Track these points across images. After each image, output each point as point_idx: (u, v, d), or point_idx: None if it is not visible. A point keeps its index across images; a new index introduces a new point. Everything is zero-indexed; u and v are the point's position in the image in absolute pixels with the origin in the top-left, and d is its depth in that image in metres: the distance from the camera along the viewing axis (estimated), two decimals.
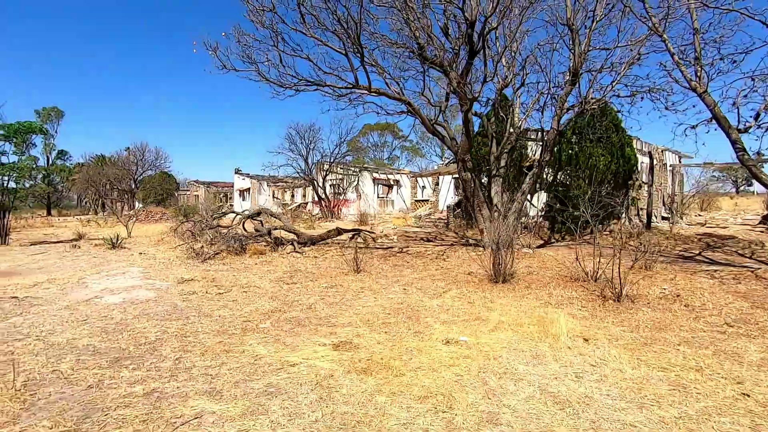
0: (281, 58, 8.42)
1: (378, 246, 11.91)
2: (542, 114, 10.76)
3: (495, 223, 9.63)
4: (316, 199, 29.48)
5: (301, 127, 26.91)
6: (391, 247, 11.43)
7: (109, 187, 47.42)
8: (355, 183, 26.28)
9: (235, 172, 40.40)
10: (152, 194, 46.49)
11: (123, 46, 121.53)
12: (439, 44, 8.74)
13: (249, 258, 10.12)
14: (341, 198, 26.65)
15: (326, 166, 26.99)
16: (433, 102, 9.97)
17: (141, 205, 46.87)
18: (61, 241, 14.62)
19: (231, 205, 42.67)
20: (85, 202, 62.87)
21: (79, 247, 11.83)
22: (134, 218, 31.40)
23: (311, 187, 29.92)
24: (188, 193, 56.49)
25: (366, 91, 8.68)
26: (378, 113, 10.23)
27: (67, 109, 60.29)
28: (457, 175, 21.94)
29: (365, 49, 8.29)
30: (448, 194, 22.51)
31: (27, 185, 12.97)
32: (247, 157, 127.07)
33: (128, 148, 54.84)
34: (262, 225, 14.33)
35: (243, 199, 39.64)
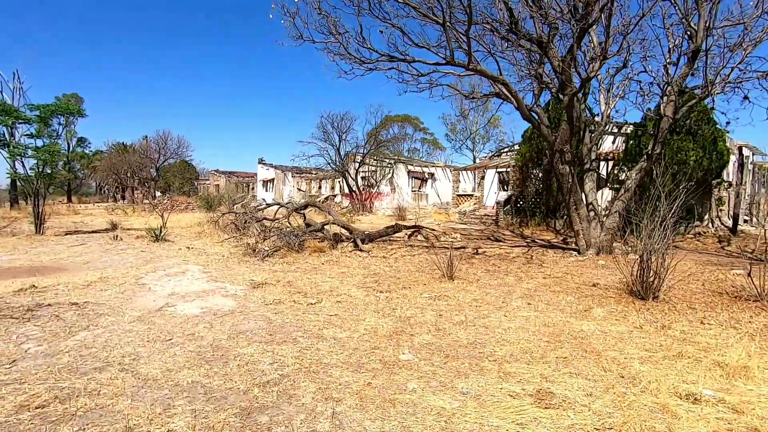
0: (362, 28, 7.29)
1: (444, 245, 10.79)
2: (644, 99, 9.43)
3: (593, 224, 8.44)
4: (346, 191, 28.44)
5: (334, 116, 25.80)
6: (463, 248, 10.30)
7: (130, 175, 47.08)
8: (390, 175, 25.13)
9: (259, 162, 39.56)
10: (176, 182, 45.99)
11: (147, 38, 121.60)
12: (539, 14, 7.49)
13: (310, 256, 9.09)
14: (373, 191, 25.56)
15: (359, 158, 25.87)
16: (541, 81, 8.67)
17: (160, 194, 46.48)
18: (96, 231, 13.79)
19: (254, 195, 41.95)
20: (105, 190, 63.02)
21: (121, 239, 10.94)
22: (159, 207, 30.88)
23: (341, 179, 28.88)
24: (208, 182, 56.03)
25: (464, 69, 7.50)
26: (466, 96, 9.01)
27: (85, 96, 60.07)
28: (502, 169, 20.67)
29: (459, 23, 7.10)
30: (490, 189, 21.26)
31: (50, 171, 12.08)
32: (270, 147, 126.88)
33: (146, 136, 54.46)
34: (305, 218, 13.32)
35: (266, 190, 38.83)
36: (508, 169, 20.63)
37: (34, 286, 6.04)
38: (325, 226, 11.39)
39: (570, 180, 8.24)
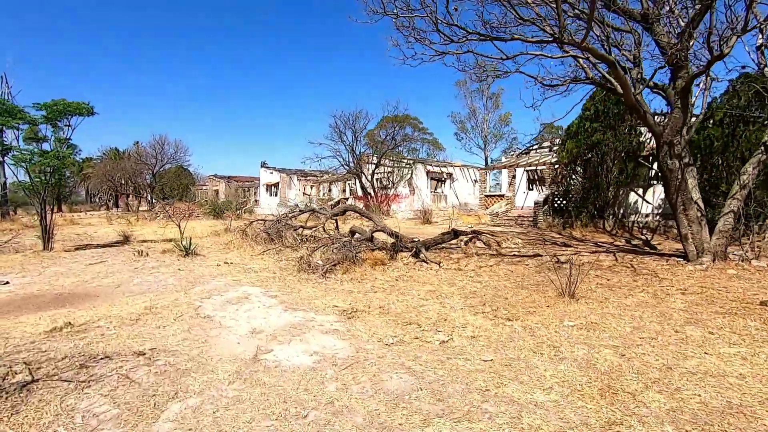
0: (448, 2, 6.12)
1: (512, 253, 9.64)
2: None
3: (703, 227, 7.37)
4: (359, 194, 27.22)
5: (347, 115, 24.56)
6: (537, 256, 9.16)
7: (124, 181, 45.27)
8: (409, 176, 23.95)
9: (262, 166, 38.14)
10: (174, 189, 44.28)
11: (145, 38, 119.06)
12: None
13: (373, 270, 7.87)
14: (390, 193, 24.36)
15: (373, 159, 24.66)
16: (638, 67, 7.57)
17: (153, 200, 44.72)
18: (110, 245, 12.40)
19: (256, 200, 40.51)
20: (98, 198, 60.92)
21: (146, 254, 9.59)
22: (160, 215, 29.29)
23: (354, 181, 27.66)
24: (205, 187, 54.37)
25: (573, 47, 6.35)
26: (547, 85, 7.84)
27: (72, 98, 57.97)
28: (533, 168, 19.64)
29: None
30: (520, 189, 20.21)
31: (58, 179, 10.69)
32: (270, 151, 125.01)
33: (137, 142, 52.63)
34: (336, 224, 12.10)
35: (270, 195, 37.41)
36: (539, 168, 19.61)
37: (70, 323, 4.75)
38: (372, 234, 10.18)
39: (679, 176, 7.15)
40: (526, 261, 8.65)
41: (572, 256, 8.89)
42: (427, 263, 8.43)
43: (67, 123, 10.72)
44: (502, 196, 19.49)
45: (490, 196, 19.84)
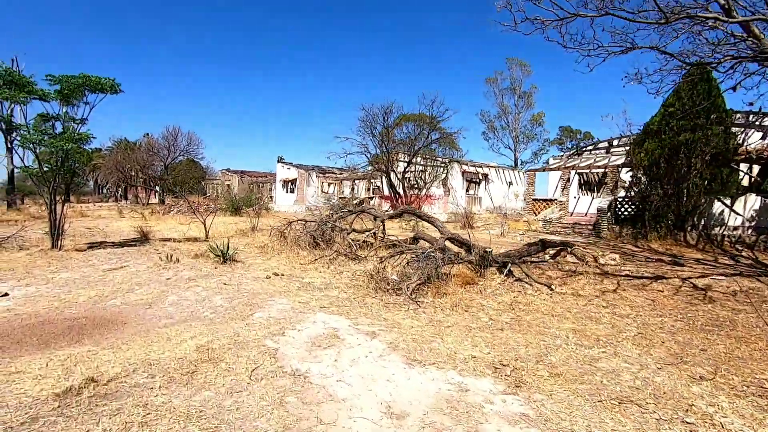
0: None
1: (621, 273, 7.90)
2: None
3: None
4: (385, 193, 25.52)
5: (378, 109, 22.84)
6: (660, 278, 7.41)
7: (135, 173, 43.87)
8: (444, 176, 22.19)
9: (278, 161, 36.51)
10: (185, 182, 42.81)
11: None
12: None
13: (468, 291, 6.17)
14: (422, 194, 22.62)
15: (402, 156, 22.92)
16: None
17: (164, 193, 43.25)
18: (127, 243, 10.78)
19: (271, 197, 38.92)
20: (106, 189, 59.71)
21: (176, 259, 7.92)
22: (174, 209, 27.77)
23: (380, 179, 25.94)
24: (216, 182, 52.91)
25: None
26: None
27: None
28: (586, 171, 17.82)
29: None
30: (555, 192, 18.40)
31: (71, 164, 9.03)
32: (286, 147, 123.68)
33: (148, 133, 51.28)
34: (380, 229, 10.40)
35: (287, 192, 35.79)
36: (595, 171, 17.81)
37: (92, 380, 3.10)
38: (439, 243, 8.48)
39: None
40: (650, 284, 6.91)
41: (708, 281, 7.13)
42: (527, 283, 6.71)
43: (85, 101, 9.09)
44: (553, 200, 17.72)
45: (540, 200, 18.11)
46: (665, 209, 12.82)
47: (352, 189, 30.60)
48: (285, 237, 10.54)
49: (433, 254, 6.86)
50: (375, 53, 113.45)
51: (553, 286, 6.49)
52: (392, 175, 22.59)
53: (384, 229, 10.93)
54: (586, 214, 17.51)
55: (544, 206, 18.00)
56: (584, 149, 18.37)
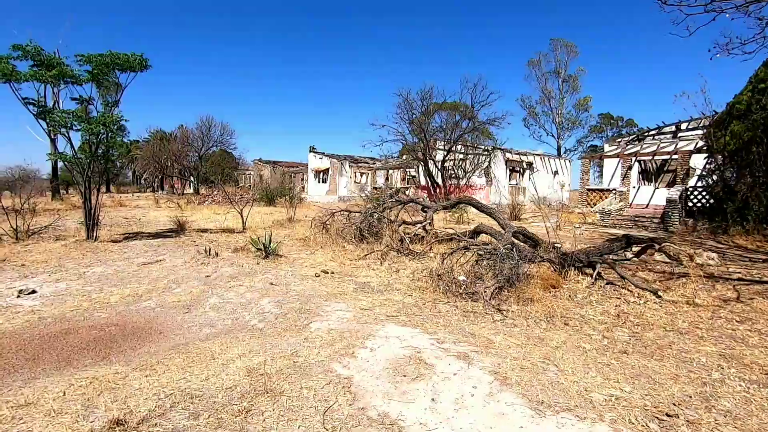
0: None
1: (731, 276, 6.63)
2: None
3: None
4: (422, 183, 24.46)
5: (417, 93, 21.67)
6: None
7: (170, 164, 44.52)
8: (486, 165, 20.89)
9: (310, 151, 35.99)
10: (218, 173, 43.12)
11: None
12: None
13: (553, 296, 5.13)
14: (462, 183, 21.42)
15: (441, 144, 21.73)
16: None
17: (198, 183, 43.67)
18: (163, 234, 10.29)
19: (303, 187, 38.54)
20: (143, 179, 61.33)
21: (215, 253, 7.21)
22: (209, 199, 27.71)
23: (417, 169, 24.87)
24: (248, 172, 53.13)
25: None
26: None
27: None
28: (649, 159, 16.15)
29: None
30: (611, 181, 16.76)
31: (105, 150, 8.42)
32: (317, 137, 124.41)
33: (182, 125, 51.89)
34: (427, 222, 9.37)
35: (319, 182, 35.26)
36: (657, 158, 16.12)
37: (118, 422, 2.31)
38: (535, 244, 7.41)
39: None
40: None
41: None
42: (622, 287, 5.59)
43: (116, 80, 8.49)
44: (609, 190, 16.15)
45: (595, 190, 16.58)
46: (754, 200, 11.20)
47: (387, 179, 29.68)
48: (327, 229, 9.74)
49: (510, 251, 5.82)
50: (410, 42, 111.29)
51: (659, 292, 5.34)
52: (430, 163, 21.47)
53: (432, 221, 9.96)
54: (647, 206, 15.90)
55: (599, 197, 16.48)
56: (646, 134, 16.64)
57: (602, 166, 17.89)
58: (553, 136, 36.21)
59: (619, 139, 17.89)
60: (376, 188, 29.65)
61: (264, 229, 12.31)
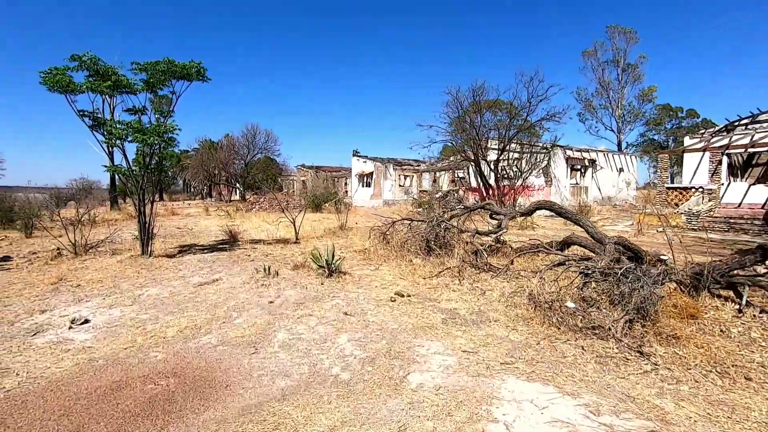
0: None
1: None
2: None
3: None
4: (473, 184, 23.22)
5: (467, 90, 20.51)
6: None
7: (217, 171, 45.73)
8: (545, 163, 19.39)
9: (353, 155, 35.61)
10: (263, 180, 43.78)
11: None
12: None
13: (704, 333, 3.98)
14: (517, 184, 20.01)
15: (493, 143, 20.42)
16: None
17: (244, 190, 44.47)
18: (218, 247, 9.88)
19: (346, 192, 38.23)
20: (193, 187, 63.75)
21: (274, 272, 6.56)
22: (257, 206, 27.85)
23: (467, 170, 23.68)
24: (292, 178, 53.73)
25: None
26: None
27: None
28: (736, 150, 14.12)
29: None
30: (693, 178, 14.77)
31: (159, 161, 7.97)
32: (360, 141, 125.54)
33: (228, 134, 53.21)
34: (501, 228, 8.25)
35: (363, 185, 34.76)
36: (754, 151, 14.07)
37: None
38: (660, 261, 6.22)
39: None
40: None
41: None
42: None
43: (171, 90, 8.10)
44: (693, 188, 14.25)
45: (676, 188, 14.73)
46: None
47: (434, 181, 28.61)
48: (387, 240, 8.92)
49: (632, 270, 4.70)
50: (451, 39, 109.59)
51: None
52: (483, 164, 20.23)
53: (501, 225, 8.88)
54: (739, 205, 13.90)
55: (681, 196, 14.62)
56: (737, 124, 14.61)
57: (680, 161, 15.96)
58: (612, 130, 33.50)
59: (702, 131, 15.90)
60: (422, 191, 28.68)
61: (317, 238, 11.71)
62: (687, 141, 15.90)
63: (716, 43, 70.65)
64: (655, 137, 42.26)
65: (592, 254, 6.66)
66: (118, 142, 7.47)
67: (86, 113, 7.88)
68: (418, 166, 33.75)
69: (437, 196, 24.92)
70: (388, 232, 8.99)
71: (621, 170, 22.31)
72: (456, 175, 26.66)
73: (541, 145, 19.53)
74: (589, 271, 5.24)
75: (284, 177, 56.00)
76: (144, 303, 5.27)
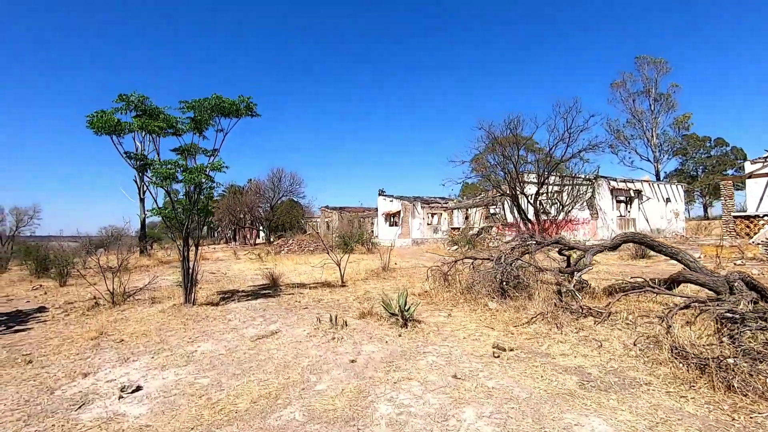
0: None
1: None
2: None
3: None
4: (510, 220, 22.29)
5: (497, 125, 20.13)
6: None
7: (243, 215, 45.99)
8: (588, 195, 18.45)
9: (379, 194, 35.31)
10: (287, 222, 43.74)
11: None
12: None
13: None
14: (558, 218, 19.02)
15: (530, 177, 19.71)
16: None
17: (269, 233, 44.34)
18: (261, 292, 9.17)
19: (371, 232, 37.62)
20: (217, 232, 64.33)
21: (342, 322, 5.74)
22: (285, 248, 27.39)
23: (502, 206, 22.86)
24: (315, 219, 53.68)
25: None
26: None
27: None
28: None
29: None
30: (760, 205, 13.51)
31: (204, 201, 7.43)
32: (384, 180, 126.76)
33: (251, 179, 54.06)
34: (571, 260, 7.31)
35: (389, 225, 34.14)
36: None
37: None
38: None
39: None
40: None
41: None
42: None
43: (218, 128, 7.75)
44: (761, 216, 12.99)
45: (744, 217, 13.53)
46: None
47: (466, 218, 27.78)
48: (449, 281, 8.07)
49: None
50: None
51: None
52: (521, 198, 19.41)
53: (570, 263, 7.93)
54: None
55: (749, 225, 13.35)
56: None
57: (740, 188, 14.82)
58: (649, 160, 32.24)
59: (765, 155, 14.82)
60: (454, 229, 27.81)
61: (362, 280, 10.92)
62: (748, 167, 14.84)
63: (736, 69, 70.02)
64: (679, 167, 40.46)
65: (710, 293, 5.66)
66: (167, 181, 7.02)
67: (132, 155, 7.54)
68: (446, 203, 33.11)
69: (471, 233, 24.01)
70: (449, 273, 8.14)
71: (668, 200, 21.10)
72: (489, 211, 25.81)
73: (583, 176, 18.67)
74: (734, 315, 4.27)
75: (307, 219, 56.06)
76: (200, 363, 4.50)
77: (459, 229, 26.72)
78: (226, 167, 7.21)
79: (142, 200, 31.76)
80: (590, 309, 5.66)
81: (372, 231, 37.54)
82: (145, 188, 31.25)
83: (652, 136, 31.63)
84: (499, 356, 4.26)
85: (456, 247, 21.36)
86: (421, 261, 16.56)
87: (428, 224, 32.20)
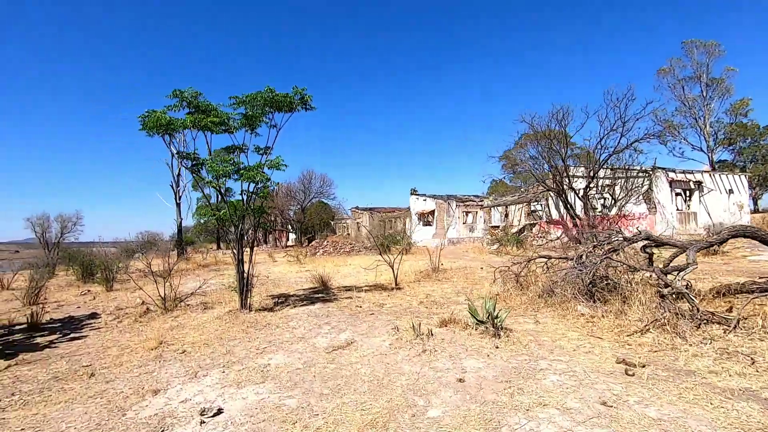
0: None
1: None
2: None
3: None
4: (554, 217, 21.20)
5: (546, 116, 19.10)
6: None
7: (273, 218, 46.25)
8: (645, 188, 17.22)
9: (411, 194, 34.63)
10: (316, 223, 43.70)
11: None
12: None
13: None
14: (610, 213, 17.84)
15: (580, 170, 18.58)
16: None
17: (299, 234, 44.34)
18: (314, 296, 8.70)
19: (402, 230, 36.97)
20: (247, 235, 64.91)
21: (428, 332, 5.15)
22: (320, 250, 27.14)
23: (546, 201, 21.78)
24: (345, 221, 53.48)
25: None
26: None
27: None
28: None
29: None
30: None
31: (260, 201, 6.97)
32: (415, 179, 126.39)
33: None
34: (652, 263, 6.42)
35: (423, 224, 33.41)
36: None
37: None
38: None
39: None
40: None
41: None
42: None
43: (271, 123, 7.31)
44: None
45: None
46: None
47: (506, 215, 26.76)
48: (520, 283, 7.35)
49: None
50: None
51: None
52: (569, 193, 18.33)
53: (651, 259, 7.05)
54: None
55: None
56: None
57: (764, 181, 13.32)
58: (702, 150, 30.00)
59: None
60: (493, 227, 26.83)
61: (415, 282, 10.32)
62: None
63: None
64: (725, 157, 37.56)
65: None
66: (223, 179, 6.62)
67: (185, 154, 7.20)
68: (481, 201, 32.13)
69: (513, 231, 23.02)
70: (521, 274, 7.42)
71: (731, 192, 19.53)
72: (530, 208, 24.73)
73: (638, 168, 17.43)
74: None
75: (337, 220, 55.97)
76: (278, 379, 3.99)
77: (498, 227, 25.72)
78: (285, 165, 6.75)
79: (178, 205, 32.24)
80: (713, 314, 4.85)
81: (405, 231, 36.91)
82: (180, 193, 31.78)
83: (705, 124, 29.60)
84: (633, 374, 3.56)
85: (497, 245, 20.47)
86: (467, 261, 15.83)
87: (464, 223, 31.30)
